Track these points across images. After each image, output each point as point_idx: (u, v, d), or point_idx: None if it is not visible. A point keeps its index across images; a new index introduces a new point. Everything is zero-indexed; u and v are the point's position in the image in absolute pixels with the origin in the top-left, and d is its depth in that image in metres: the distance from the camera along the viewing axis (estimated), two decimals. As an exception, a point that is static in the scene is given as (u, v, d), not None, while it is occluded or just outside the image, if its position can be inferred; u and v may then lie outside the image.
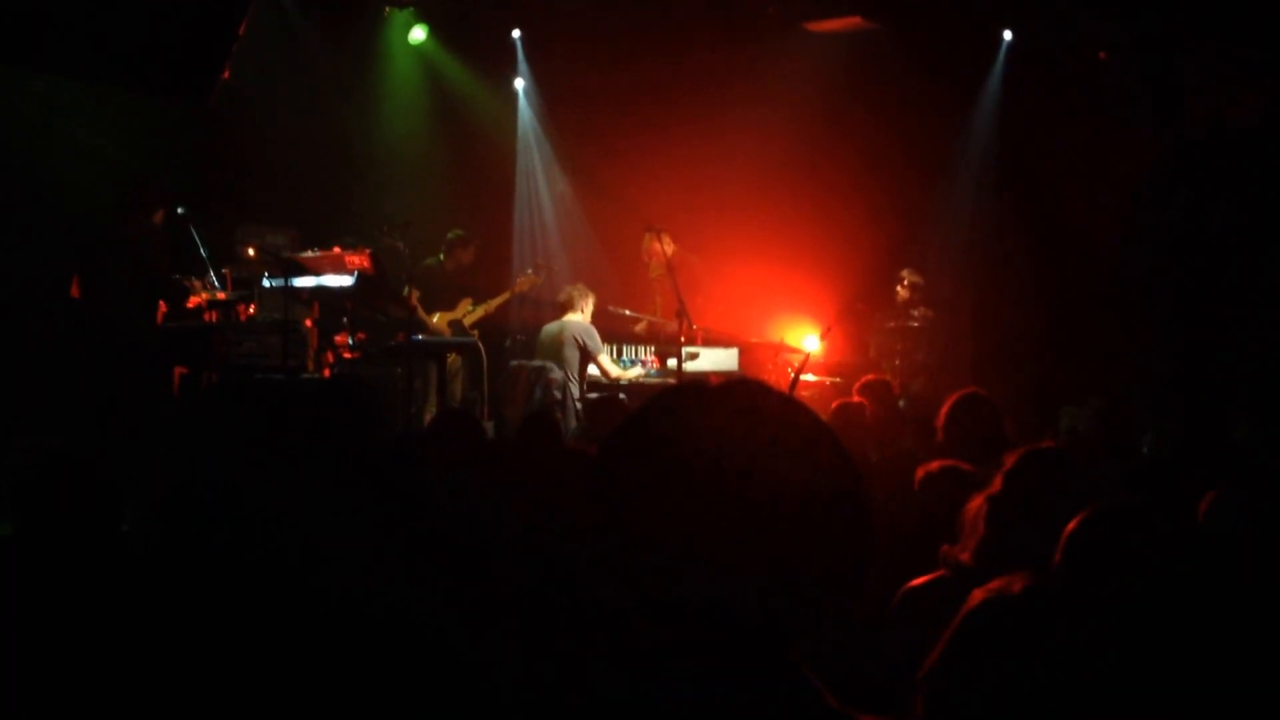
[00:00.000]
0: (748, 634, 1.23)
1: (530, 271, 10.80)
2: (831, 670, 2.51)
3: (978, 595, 2.17)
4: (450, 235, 10.42)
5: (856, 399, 7.07)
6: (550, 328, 9.67)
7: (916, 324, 10.76)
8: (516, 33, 11.79)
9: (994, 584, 2.17)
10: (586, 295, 9.74)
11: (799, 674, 1.26)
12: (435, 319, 10.20)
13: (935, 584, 3.24)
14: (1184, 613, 2.15)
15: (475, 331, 10.20)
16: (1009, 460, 3.16)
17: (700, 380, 1.39)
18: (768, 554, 1.23)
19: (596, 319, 9.80)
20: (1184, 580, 2.19)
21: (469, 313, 10.33)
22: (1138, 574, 2.20)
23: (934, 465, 4.16)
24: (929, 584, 3.26)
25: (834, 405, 6.98)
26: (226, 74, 6.29)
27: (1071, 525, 2.37)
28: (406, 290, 9.42)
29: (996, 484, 3.15)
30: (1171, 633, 2.09)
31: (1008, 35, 11.23)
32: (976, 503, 3.19)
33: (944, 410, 5.29)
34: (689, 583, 1.22)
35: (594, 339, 9.50)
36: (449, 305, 10.30)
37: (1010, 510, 3.03)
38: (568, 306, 9.66)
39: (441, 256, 10.39)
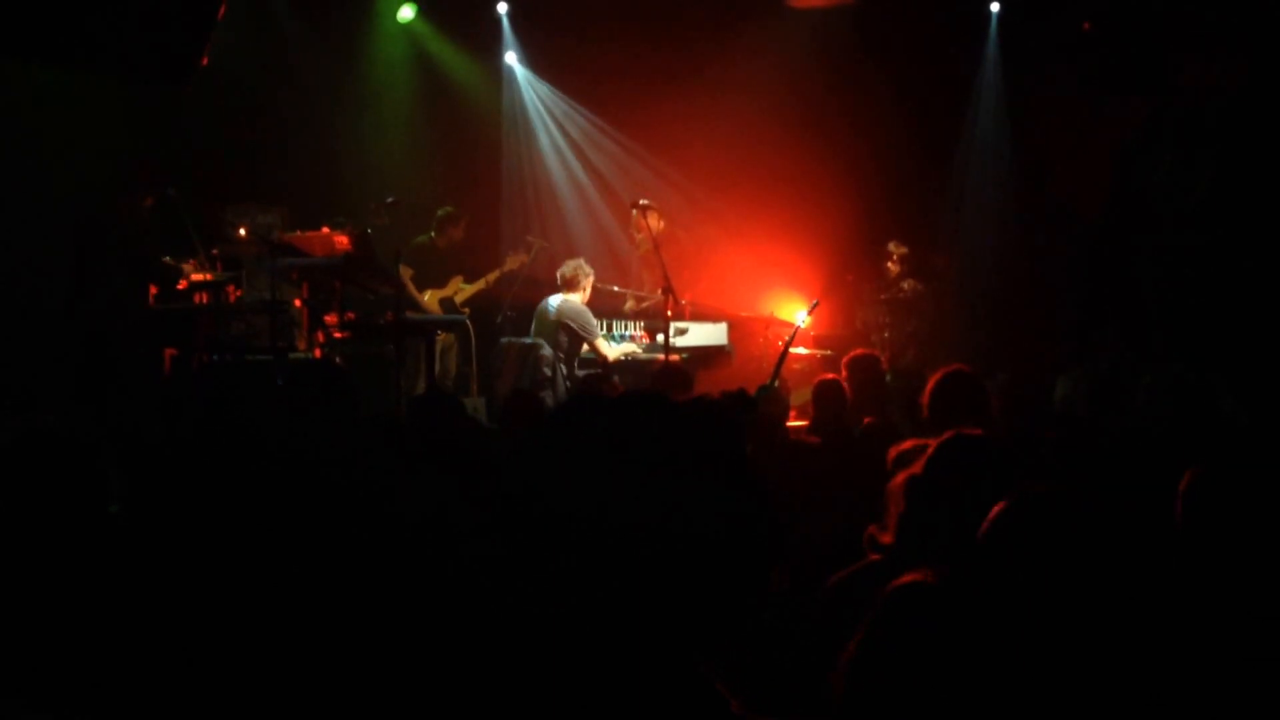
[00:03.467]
0: (645, 641, 1.27)
1: (520, 250, 10.79)
2: (759, 663, 2.56)
3: (892, 586, 2.19)
4: (440, 212, 10.44)
5: (834, 375, 7.09)
6: (544, 305, 9.66)
7: (905, 296, 10.79)
8: (502, 7, 11.79)
9: (909, 576, 2.20)
10: (588, 273, 9.72)
11: (701, 680, 1.30)
12: (426, 297, 10.25)
13: (861, 572, 3.20)
14: (1111, 609, 2.18)
15: (466, 310, 10.25)
16: (933, 444, 3.18)
17: (599, 396, 1.44)
18: (663, 563, 1.26)
19: (591, 295, 9.81)
20: (1110, 574, 2.22)
21: (460, 290, 10.38)
22: (1053, 568, 2.23)
23: (906, 444, 4.15)
24: (855, 573, 3.22)
25: (815, 381, 7.02)
26: (205, 60, 6.29)
27: (991, 515, 2.40)
28: (399, 268, 9.46)
29: (918, 466, 3.16)
30: (1095, 631, 2.12)
31: (995, 8, 11.27)
32: (898, 481, 3.20)
33: (929, 387, 5.29)
34: (584, 588, 1.25)
35: (588, 323, 9.46)
36: (440, 283, 10.35)
37: (929, 493, 3.05)
38: (571, 284, 9.60)
39: (433, 234, 10.42)
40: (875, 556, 3.23)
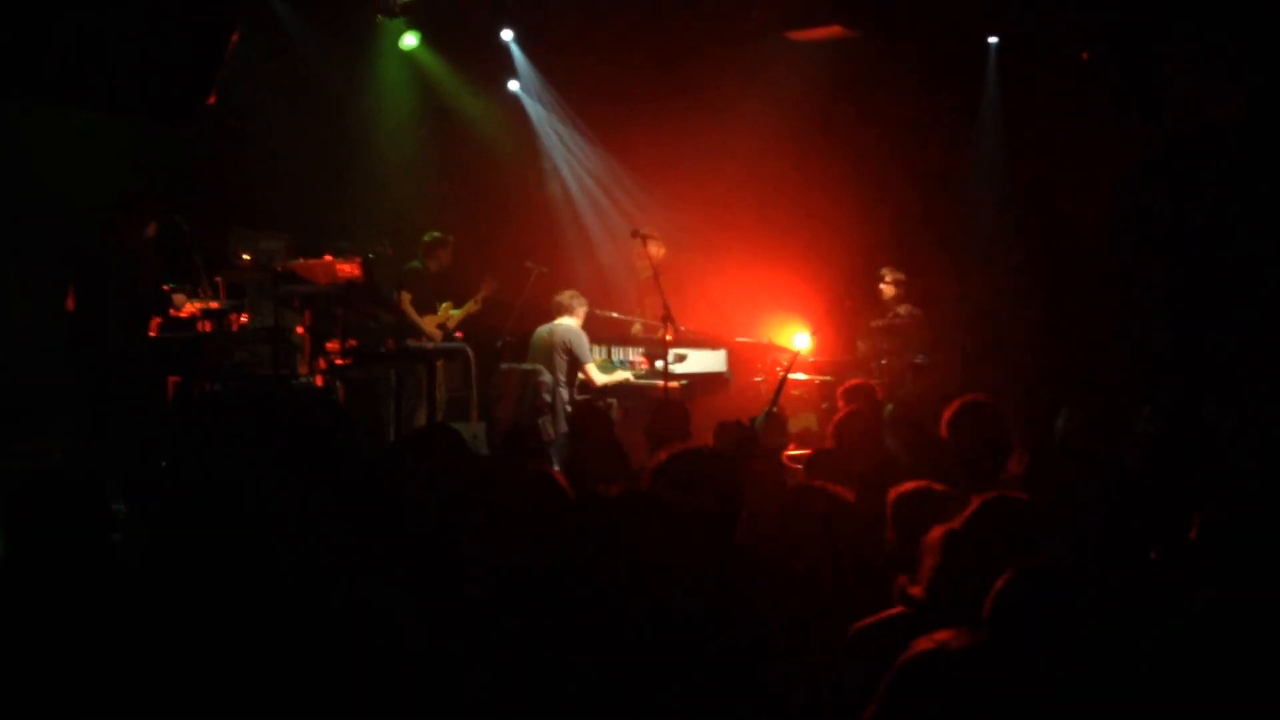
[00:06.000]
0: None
1: (490, 277, 10.82)
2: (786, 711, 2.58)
3: (916, 648, 2.21)
4: (426, 238, 10.53)
5: (853, 407, 6.94)
6: (541, 331, 9.73)
7: (901, 322, 10.80)
8: (507, 33, 11.83)
9: (933, 637, 2.22)
10: (583, 303, 9.80)
11: None
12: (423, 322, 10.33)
13: (886, 623, 3.18)
14: (1117, 679, 2.20)
15: (460, 334, 10.30)
16: (974, 501, 3.18)
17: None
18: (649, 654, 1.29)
19: (587, 321, 9.86)
20: (1115, 646, 2.24)
21: (450, 317, 10.42)
22: (1062, 639, 2.25)
23: (906, 486, 3.99)
24: (879, 624, 3.20)
25: (837, 418, 6.81)
26: (213, 99, 6.33)
27: (998, 584, 2.41)
28: (397, 294, 9.49)
29: (958, 522, 3.14)
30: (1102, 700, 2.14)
31: (993, 40, 11.34)
32: (936, 535, 3.17)
33: (945, 418, 5.23)
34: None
35: (583, 347, 9.56)
36: (432, 307, 10.40)
37: (966, 551, 3.04)
38: (567, 311, 9.72)
39: (420, 260, 10.46)
40: (900, 609, 3.21)
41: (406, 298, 10.08)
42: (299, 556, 3.50)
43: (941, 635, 2.26)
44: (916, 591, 3.16)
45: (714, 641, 1.89)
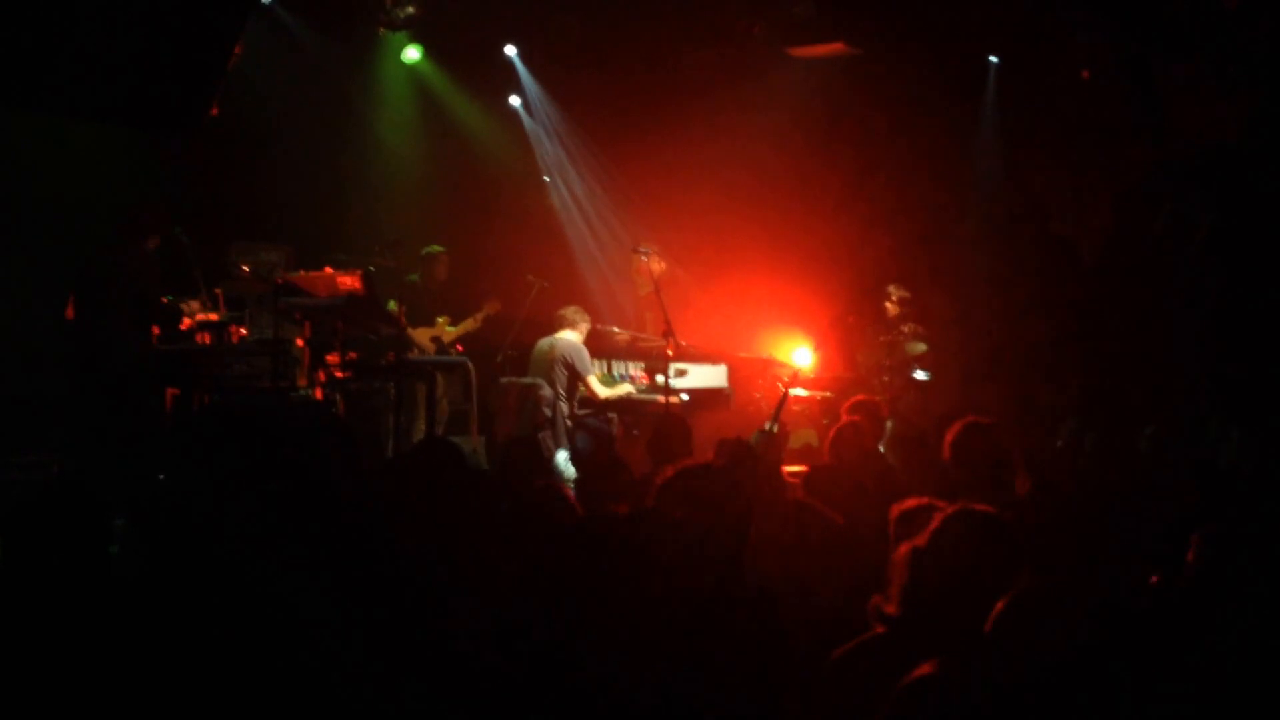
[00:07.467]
0: None
1: (493, 297, 10.79)
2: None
3: (914, 674, 2.19)
4: (423, 252, 10.53)
5: (852, 419, 6.97)
6: (542, 345, 9.70)
7: (905, 338, 10.81)
8: (511, 49, 11.84)
9: (920, 670, 2.20)
10: (586, 317, 9.78)
11: None
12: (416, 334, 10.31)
13: (863, 646, 3.17)
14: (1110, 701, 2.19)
15: (460, 347, 10.28)
16: (936, 518, 3.18)
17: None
18: None
19: (587, 336, 9.84)
20: (1107, 666, 2.23)
21: (446, 332, 10.41)
22: (1058, 658, 2.24)
23: (909, 503, 3.96)
24: (856, 648, 3.19)
25: (833, 432, 6.83)
26: (215, 111, 6.33)
27: (999, 605, 2.40)
28: (391, 305, 9.48)
29: (922, 538, 3.14)
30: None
31: (994, 59, 11.37)
32: (902, 552, 3.18)
33: (948, 440, 5.25)
34: None
35: (583, 360, 9.52)
36: (429, 321, 10.38)
37: (932, 567, 3.05)
38: (569, 325, 9.69)
39: (418, 274, 10.46)
40: (880, 629, 3.20)
41: (402, 310, 10.06)
42: (293, 570, 3.48)
43: (942, 660, 2.24)
44: (890, 610, 3.16)
45: (726, 663, 1.87)
